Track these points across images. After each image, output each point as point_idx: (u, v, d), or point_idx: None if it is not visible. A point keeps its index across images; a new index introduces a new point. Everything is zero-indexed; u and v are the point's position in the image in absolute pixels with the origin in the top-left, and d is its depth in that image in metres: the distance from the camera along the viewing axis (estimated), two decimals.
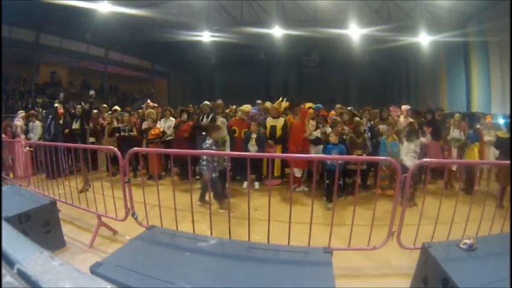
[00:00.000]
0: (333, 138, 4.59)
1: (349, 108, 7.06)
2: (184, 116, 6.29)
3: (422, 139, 4.89)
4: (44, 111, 7.65)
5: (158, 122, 6.50)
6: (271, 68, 24.13)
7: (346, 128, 5.26)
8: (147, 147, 6.01)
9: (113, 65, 19.35)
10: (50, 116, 6.42)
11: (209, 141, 4.24)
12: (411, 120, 6.01)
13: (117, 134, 6.34)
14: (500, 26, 10.41)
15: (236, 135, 5.48)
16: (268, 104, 6.48)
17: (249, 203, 2.80)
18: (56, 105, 6.55)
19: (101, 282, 0.64)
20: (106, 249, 3.16)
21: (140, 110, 7.88)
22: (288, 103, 6.47)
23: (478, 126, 5.55)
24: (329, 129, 5.13)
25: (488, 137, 5.37)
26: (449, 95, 15.31)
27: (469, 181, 4.95)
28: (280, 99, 6.53)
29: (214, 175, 4.11)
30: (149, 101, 7.85)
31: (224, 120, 5.30)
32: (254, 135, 4.99)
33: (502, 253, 2.02)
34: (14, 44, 13.03)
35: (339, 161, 3.75)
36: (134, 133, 6.31)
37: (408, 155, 4.58)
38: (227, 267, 1.98)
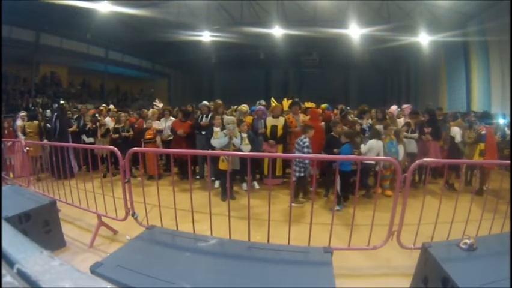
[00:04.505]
0: (343, 139, 4.64)
1: (347, 107, 7.08)
2: (180, 116, 6.29)
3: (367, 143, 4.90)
4: (43, 110, 7.64)
5: (158, 122, 6.50)
6: (271, 68, 24.17)
7: (346, 128, 5.26)
8: (144, 147, 5.99)
9: (113, 65, 19.36)
10: (56, 114, 6.36)
11: (306, 140, 4.53)
12: (409, 120, 6.01)
13: (116, 135, 6.33)
14: (500, 26, 10.41)
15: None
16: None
17: (249, 203, 2.80)
18: (62, 102, 6.49)
19: (101, 282, 0.64)
20: (106, 249, 3.16)
21: (145, 110, 7.86)
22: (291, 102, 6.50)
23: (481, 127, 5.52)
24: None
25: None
26: (449, 95, 15.32)
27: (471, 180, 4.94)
28: (285, 99, 6.56)
29: (301, 174, 4.51)
30: (157, 101, 7.68)
31: (234, 118, 5.20)
32: (244, 135, 5.01)
33: (502, 253, 2.02)
34: (14, 44, 13.02)
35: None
36: (130, 133, 6.31)
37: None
38: (227, 267, 1.98)
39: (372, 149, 4.72)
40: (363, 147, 4.79)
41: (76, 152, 5.75)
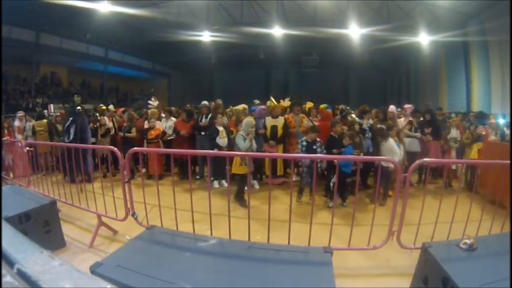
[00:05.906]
0: (346, 141, 4.59)
1: (347, 107, 7.07)
2: (183, 116, 6.29)
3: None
4: (44, 110, 7.65)
5: (159, 122, 6.50)
6: (271, 68, 24.15)
7: (345, 127, 5.26)
8: (147, 147, 5.99)
9: (113, 65, 19.36)
10: (71, 119, 5.97)
11: (303, 139, 4.70)
12: (411, 118, 6.01)
13: (120, 134, 6.32)
14: (500, 26, 10.41)
15: (233, 136, 5.47)
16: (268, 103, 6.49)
17: (249, 203, 2.80)
18: (78, 108, 6.07)
19: (101, 282, 0.64)
20: (106, 249, 3.16)
21: (144, 110, 7.85)
22: (289, 102, 6.51)
23: (480, 127, 5.54)
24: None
25: (493, 136, 5.38)
26: (449, 95, 15.32)
27: (471, 180, 4.93)
28: (281, 101, 6.57)
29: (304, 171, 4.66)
30: (153, 99, 7.51)
31: (252, 120, 5.09)
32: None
33: (502, 253, 2.02)
34: (14, 44, 13.03)
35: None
36: (133, 133, 6.28)
37: None
38: (227, 267, 1.98)
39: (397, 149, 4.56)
40: (395, 150, 4.57)
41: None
